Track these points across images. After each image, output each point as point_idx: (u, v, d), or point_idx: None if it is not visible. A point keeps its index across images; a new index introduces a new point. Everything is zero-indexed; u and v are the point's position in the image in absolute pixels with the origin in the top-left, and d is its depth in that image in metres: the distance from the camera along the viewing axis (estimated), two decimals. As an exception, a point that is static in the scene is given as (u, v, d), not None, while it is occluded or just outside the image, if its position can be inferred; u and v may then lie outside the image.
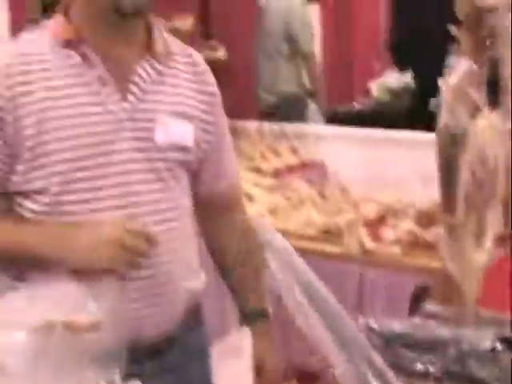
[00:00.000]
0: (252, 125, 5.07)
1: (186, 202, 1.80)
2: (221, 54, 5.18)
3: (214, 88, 1.85)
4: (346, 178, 4.41)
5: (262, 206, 3.53)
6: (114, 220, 1.63)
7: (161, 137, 1.68)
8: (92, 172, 1.64)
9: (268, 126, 5.04)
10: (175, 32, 4.90)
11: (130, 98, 1.68)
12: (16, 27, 4.24)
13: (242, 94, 5.54)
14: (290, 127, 4.93)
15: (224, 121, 1.90)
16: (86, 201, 1.65)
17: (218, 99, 1.86)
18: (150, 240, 1.61)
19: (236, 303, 1.98)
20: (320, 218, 3.31)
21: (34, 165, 1.64)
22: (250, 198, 3.65)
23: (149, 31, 1.75)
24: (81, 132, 1.63)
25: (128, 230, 1.59)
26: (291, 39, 5.27)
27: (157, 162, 1.70)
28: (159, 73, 1.72)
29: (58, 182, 1.63)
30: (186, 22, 5.05)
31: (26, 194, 1.66)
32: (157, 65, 1.72)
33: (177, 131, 1.71)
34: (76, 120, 1.63)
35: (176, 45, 1.81)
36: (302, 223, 3.30)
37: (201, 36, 5.34)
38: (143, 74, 1.70)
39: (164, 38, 1.77)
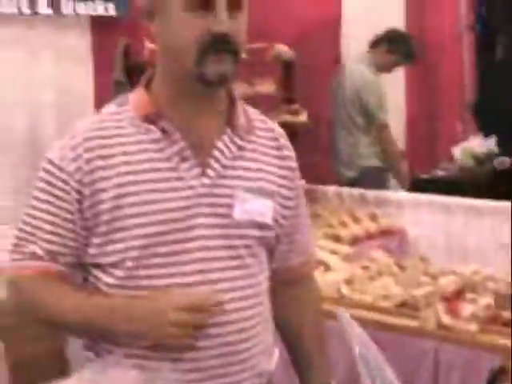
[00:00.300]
0: (331, 190, 5.06)
1: (263, 278, 1.77)
2: (303, 118, 5.21)
3: (293, 162, 1.84)
4: (426, 246, 4.38)
5: (338, 275, 3.50)
6: (168, 295, 1.61)
7: (239, 213, 1.66)
8: (169, 247, 1.64)
9: (348, 191, 5.03)
10: (257, 96, 4.99)
11: (210, 173, 1.67)
12: (101, 90, 4.39)
13: (322, 159, 5.56)
14: (370, 193, 4.91)
15: (301, 192, 1.88)
16: (161, 276, 1.64)
17: (297, 173, 1.85)
18: (212, 309, 1.59)
19: (301, 378, 1.94)
20: (397, 290, 3.27)
21: (110, 238, 1.66)
22: (327, 266, 3.63)
23: (231, 101, 1.74)
24: (159, 207, 1.63)
25: (180, 306, 1.57)
26: (366, 112, 5.25)
27: (235, 239, 1.68)
28: (239, 147, 1.72)
29: (134, 257, 1.64)
30: (269, 87, 5.11)
31: (101, 267, 1.68)
32: (237, 139, 1.72)
33: (255, 208, 1.68)
34: (155, 195, 1.63)
35: (256, 117, 1.81)
36: (378, 295, 3.25)
37: (283, 100, 5.39)
38: (224, 149, 1.69)
39: (245, 109, 1.77)
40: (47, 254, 1.68)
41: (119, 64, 4.34)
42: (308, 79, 5.66)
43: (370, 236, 4.42)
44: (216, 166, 1.68)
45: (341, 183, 5.26)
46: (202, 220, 1.65)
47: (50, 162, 1.69)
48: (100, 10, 4.54)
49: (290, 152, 1.84)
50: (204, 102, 1.69)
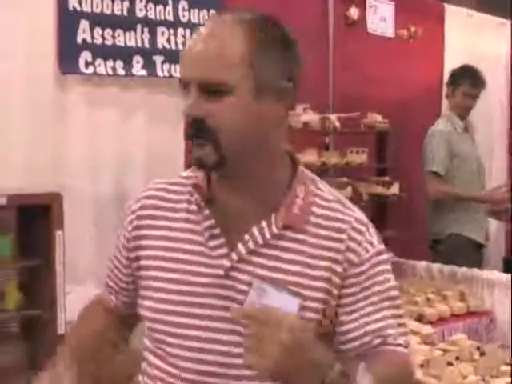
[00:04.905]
0: (420, 265, 4.94)
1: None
2: (394, 190, 5.13)
3: (360, 261, 1.63)
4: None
5: (415, 357, 3.36)
6: None
7: (251, 305, 1.50)
8: (176, 318, 1.62)
9: (438, 266, 4.89)
10: (349, 167, 4.95)
11: (233, 256, 1.60)
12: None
13: (413, 233, 5.44)
14: (460, 270, 4.76)
15: (368, 286, 1.64)
16: (168, 344, 1.64)
17: (360, 271, 1.63)
18: None
19: None
20: (473, 378, 3.12)
21: (141, 294, 1.72)
22: (404, 346, 3.50)
23: (289, 189, 1.64)
24: (177, 277, 1.63)
25: None
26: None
27: (238, 325, 1.53)
28: (275, 236, 1.60)
29: (150, 318, 1.68)
30: (361, 156, 5.06)
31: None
32: (275, 228, 1.60)
33: (272, 302, 1.50)
34: (177, 265, 1.63)
35: (328, 204, 1.66)
36: (454, 382, 3.11)
37: (376, 171, 5.33)
38: (256, 234, 1.60)
39: (307, 199, 1.64)
40: (105, 287, 1.86)
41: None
42: (404, 149, 5.59)
43: (455, 316, 4.27)
44: (242, 249, 1.60)
45: (434, 256, 5.13)
46: (214, 301, 1.60)
47: (127, 206, 1.79)
48: (195, 73, 4.60)
49: (360, 251, 1.64)
50: (229, 183, 1.63)
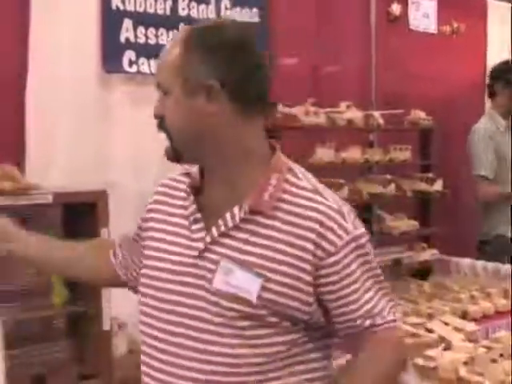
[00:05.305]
0: (465, 262, 4.90)
1: (245, 352, 1.71)
2: (438, 187, 5.09)
3: (336, 250, 1.73)
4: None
5: (458, 355, 3.35)
6: None
7: (218, 283, 1.71)
8: (157, 292, 1.82)
9: (482, 264, 4.86)
10: (392, 162, 4.92)
11: (207, 238, 1.75)
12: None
13: (458, 229, 5.41)
14: (504, 268, 4.72)
15: (348, 273, 1.75)
16: (144, 313, 1.86)
17: (336, 260, 1.73)
18: None
19: None
20: (518, 376, 3.09)
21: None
22: (448, 344, 3.49)
23: (262, 182, 1.76)
24: (164, 256, 1.83)
25: None
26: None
27: (210, 305, 1.72)
28: (244, 220, 1.73)
29: (141, 293, 1.89)
30: (404, 153, 5.04)
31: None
32: (243, 213, 1.73)
33: (238, 281, 1.69)
34: (165, 245, 1.84)
35: (304, 193, 1.76)
36: (497, 379, 3.09)
37: (420, 168, 5.30)
38: (228, 219, 1.74)
39: (282, 186, 1.76)
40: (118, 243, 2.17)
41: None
42: (447, 146, 5.55)
43: (499, 314, 4.24)
44: (214, 232, 1.75)
45: (480, 257, 5.08)
46: (189, 279, 1.76)
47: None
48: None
49: (330, 236, 1.72)
50: (207, 174, 1.84)
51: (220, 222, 1.74)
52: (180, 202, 1.86)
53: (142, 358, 1.86)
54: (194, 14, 4.50)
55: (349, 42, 5.44)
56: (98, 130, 4.08)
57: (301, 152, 4.32)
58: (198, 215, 1.79)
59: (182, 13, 4.45)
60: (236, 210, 1.74)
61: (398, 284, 4.73)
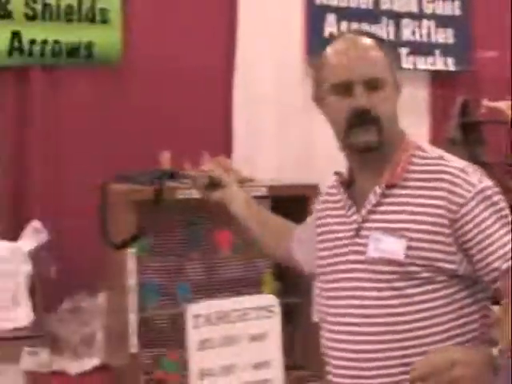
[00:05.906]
0: None
1: (406, 310, 1.92)
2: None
3: (465, 202, 1.91)
4: None
5: None
6: None
7: (371, 251, 1.95)
8: (327, 276, 2.06)
9: None
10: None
11: (358, 218, 2.00)
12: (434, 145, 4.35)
13: None
14: None
15: (480, 220, 1.92)
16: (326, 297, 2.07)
17: (467, 210, 1.91)
18: None
19: None
20: None
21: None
22: None
23: (395, 161, 1.99)
24: (330, 237, 2.08)
25: None
26: None
27: (370, 273, 1.96)
28: (383, 195, 1.98)
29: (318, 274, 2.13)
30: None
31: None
32: (383, 189, 1.97)
33: (387, 246, 1.93)
34: (329, 235, 2.08)
35: (432, 161, 1.98)
36: None
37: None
38: (371, 198, 1.99)
39: (407, 163, 1.98)
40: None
41: (455, 121, 4.28)
42: None
43: None
44: (363, 212, 2.00)
45: None
46: (350, 257, 2.00)
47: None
48: (439, 64, 4.57)
49: (461, 190, 1.92)
50: (363, 165, 2.02)
51: (366, 202, 1.99)
52: (337, 198, 2.10)
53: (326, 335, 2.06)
54: (396, 7, 4.46)
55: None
56: (303, 123, 4.11)
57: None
58: (349, 201, 2.03)
59: (384, 6, 4.44)
60: (377, 188, 1.98)
61: None
